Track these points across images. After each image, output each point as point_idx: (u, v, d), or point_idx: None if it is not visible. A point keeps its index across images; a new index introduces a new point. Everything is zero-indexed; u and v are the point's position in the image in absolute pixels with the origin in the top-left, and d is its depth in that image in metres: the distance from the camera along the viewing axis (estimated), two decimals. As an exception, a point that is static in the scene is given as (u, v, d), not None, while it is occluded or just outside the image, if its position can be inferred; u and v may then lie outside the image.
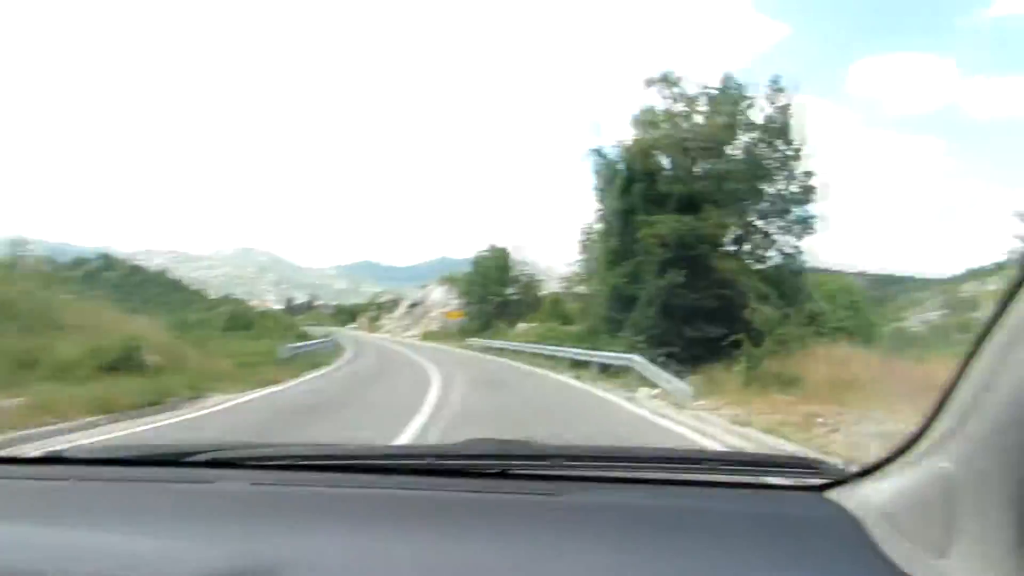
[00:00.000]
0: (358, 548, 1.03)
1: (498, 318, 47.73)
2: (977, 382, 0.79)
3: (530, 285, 52.40)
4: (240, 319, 41.64)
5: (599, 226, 22.54)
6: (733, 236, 20.28)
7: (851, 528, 0.99)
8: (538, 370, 20.31)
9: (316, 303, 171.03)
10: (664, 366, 14.85)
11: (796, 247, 20.63)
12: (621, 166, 20.42)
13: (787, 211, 20.28)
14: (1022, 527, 0.69)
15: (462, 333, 47.39)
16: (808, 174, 20.03)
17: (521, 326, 42.58)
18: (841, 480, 1.16)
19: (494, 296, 49.90)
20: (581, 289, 26.32)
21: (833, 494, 1.12)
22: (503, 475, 1.29)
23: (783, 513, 1.11)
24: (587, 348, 19.93)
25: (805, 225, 20.26)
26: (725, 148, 19.66)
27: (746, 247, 21.04)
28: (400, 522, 1.09)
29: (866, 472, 1.11)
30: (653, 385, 13.65)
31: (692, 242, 17.78)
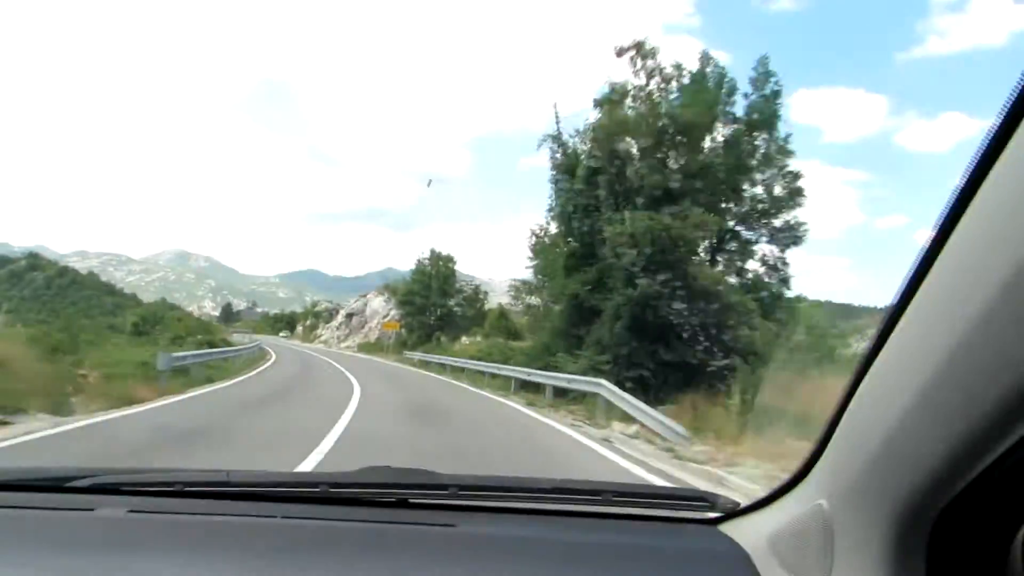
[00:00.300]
0: None
1: (439, 331, 44.46)
2: (851, 426, 0.80)
3: (474, 297, 49.06)
4: (151, 323, 37.78)
5: (556, 226, 19.55)
6: (708, 243, 17.62)
7: (740, 561, 1.04)
8: (482, 392, 17.18)
9: (256, 310, 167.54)
10: (635, 393, 12.03)
11: (780, 258, 18.14)
12: (584, 155, 17.51)
13: (770, 216, 17.78)
14: (895, 563, 0.71)
15: (400, 345, 44.02)
16: (795, 175, 17.60)
17: (464, 340, 39.67)
18: (733, 514, 1.21)
19: (435, 307, 46.43)
20: (532, 300, 23.03)
21: (725, 528, 1.18)
22: (400, 504, 1.29)
23: (677, 545, 1.15)
24: (540, 367, 17.03)
25: (791, 233, 17.79)
26: (703, 139, 17.01)
27: (719, 256, 18.46)
28: (290, 553, 1.06)
29: (756, 506, 1.15)
30: (628, 419, 10.73)
31: (668, 245, 14.97)
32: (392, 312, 53.26)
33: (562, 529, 1.21)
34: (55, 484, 1.34)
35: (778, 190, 17.59)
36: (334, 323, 68.90)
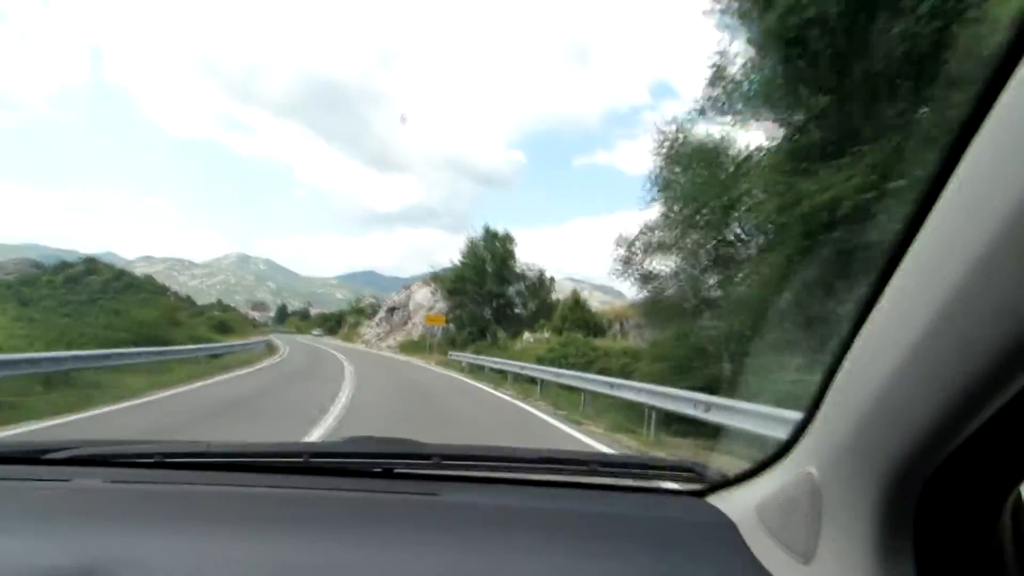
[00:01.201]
0: (222, 548, 0.92)
1: (497, 324, 35.46)
2: (842, 389, 0.78)
3: (539, 284, 39.46)
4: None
5: (730, 93, 9.75)
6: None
7: (727, 532, 1.00)
8: (587, 439, 8.04)
9: (312, 311, 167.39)
10: None
11: None
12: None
13: None
14: (883, 529, 0.69)
15: (448, 344, 35.24)
16: None
17: (527, 336, 30.65)
18: (721, 485, 1.17)
19: (491, 296, 37.11)
20: (656, 267, 13.03)
21: (713, 499, 1.15)
22: (384, 474, 1.25)
23: (664, 516, 1.11)
24: (690, 386, 7.95)
25: None
26: None
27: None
28: (271, 522, 1.01)
29: (744, 477, 1.11)
30: None
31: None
32: (438, 305, 44.62)
33: (547, 499, 1.18)
34: (32, 456, 1.30)
35: None
36: (375, 319, 60.81)
